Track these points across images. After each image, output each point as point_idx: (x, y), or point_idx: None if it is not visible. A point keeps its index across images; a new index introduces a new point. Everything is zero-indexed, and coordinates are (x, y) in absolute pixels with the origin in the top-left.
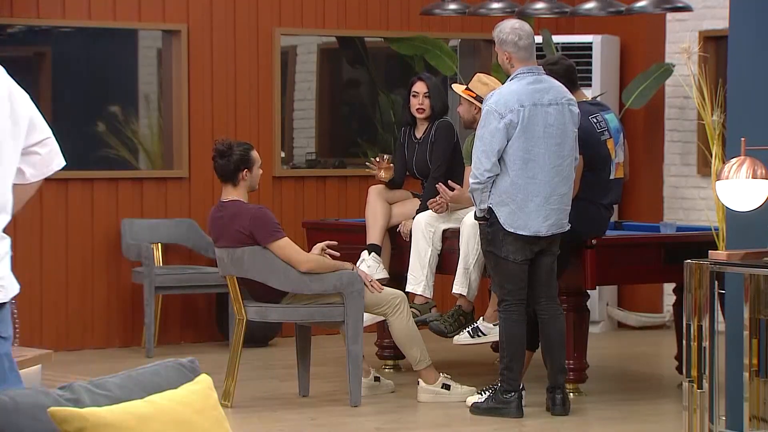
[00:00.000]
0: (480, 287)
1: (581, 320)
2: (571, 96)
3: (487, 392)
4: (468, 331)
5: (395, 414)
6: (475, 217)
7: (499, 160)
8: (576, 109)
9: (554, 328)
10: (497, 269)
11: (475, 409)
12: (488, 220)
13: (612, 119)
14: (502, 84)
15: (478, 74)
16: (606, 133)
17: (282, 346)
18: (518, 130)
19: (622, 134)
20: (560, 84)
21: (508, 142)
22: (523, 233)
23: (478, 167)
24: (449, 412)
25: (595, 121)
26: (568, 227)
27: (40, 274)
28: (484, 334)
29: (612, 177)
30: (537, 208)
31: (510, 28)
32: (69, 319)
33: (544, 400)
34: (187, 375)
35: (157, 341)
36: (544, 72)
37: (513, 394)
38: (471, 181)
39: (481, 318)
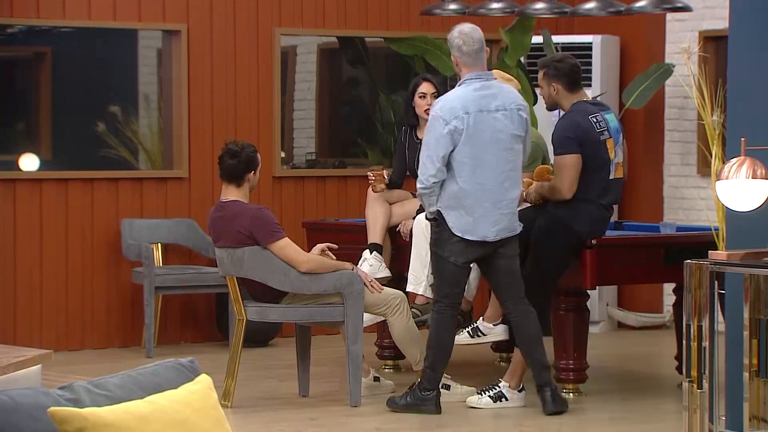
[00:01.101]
0: (479, 287)
1: (581, 320)
2: (521, 102)
3: (486, 392)
4: (468, 331)
5: (395, 414)
6: (426, 218)
7: (447, 165)
8: (525, 115)
9: (528, 327)
10: (438, 270)
11: (393, 404)
12: (437, 221)
13: (612, 119)
14: (513, 78)
15: (497, 71)
16: (606, 132)
17: (282, 346)
18: (464, 136)
19: (621, 134)
20: (510, 89)
21: (455, 148)
22: (471, 238)
23: (424, 172)
24: (449, 412)
25: (594, 120)
26: (519, 230)
27: (40, 274)
28: (484, 334)
29: (611, 177)
30: (486, 213)
31: (458, 32)
32: (69, 319)
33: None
34: (187, 375)
35: (157, 341)
36: (493, 77)
37: (432, 392)
38: (418, 186)
39: (481, 318)
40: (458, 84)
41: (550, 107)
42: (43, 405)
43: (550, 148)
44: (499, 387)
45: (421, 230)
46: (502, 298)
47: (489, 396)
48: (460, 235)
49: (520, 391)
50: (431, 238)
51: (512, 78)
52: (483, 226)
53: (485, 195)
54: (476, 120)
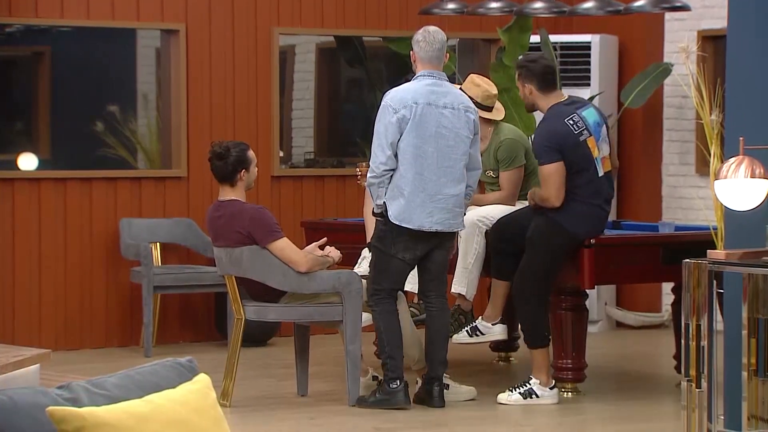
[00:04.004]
0: (479, 286)
1: (580, 320)
2: (470, 104)
3: (516, 389)
4: (466, 330)
5: (393, 413)
6: (373, 213)
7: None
8: (473, 116)
9: (441, 322)
10: (380, 264)
11: (362, 402)
12: (384, 218)
13: (591, 114)
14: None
15: (471, 75)
16: (585, 132)
17: (280, 345)
18: (410, 125)
19: (604, 127)
20: (460, 92)
21: (401, 136)
22: (409, 227)
23: (374, 161)
24: (448, 411)
25: (571, 122)
26: (459, 228)
27: (38, 274)
28: (483, 334)
29: (600, 174)
30: (422, 203)
31: (423, 30)
32: (67, 319)
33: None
34: (186, 374)
35: (156, 341)
36: (446, 78)
37: (399, 382)
38: (368, 175)
39: (480, 317)
40: (413, 79)
41: (528, 108)
42: (41, 404)
43: None
44: (530, 384)
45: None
46: (428, 289)
47: (519, 393)
48: (397, 223)
49: (551, 389)
50: (375, 234)
51: (480, 84)
52: (419, 215)
53: (422, 185)
54: (423, 112)
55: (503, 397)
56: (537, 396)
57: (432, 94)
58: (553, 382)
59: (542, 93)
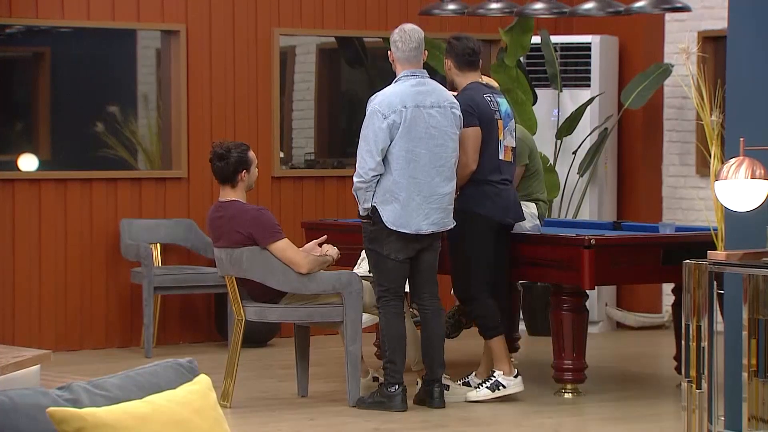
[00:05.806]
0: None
1: (580, 320)
2: (453, 100)
3: (482, 385)
4: (459, 384)
5: (394, 414)
6: (358, 216)
7: (383, 159)
8: (458, 112)
9: (437, 323)
10: (378, 267)
11: (361, 403)
12: (371, 219)
13: (503, 104)
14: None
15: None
16: (497, 113)
17: (281, 346)
18: (401, 130)
19: (513, 121)
20: (443, 88)
21: (391, 141)
22: (405, 231)
23: (363, 166)
24: (448, 412)
25: (489, 99)
26: (451, 226)
27: (38, 275)
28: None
29: (501, 158)
30: (418, 206)
31: (399, 29)
32: (68, 320)
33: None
34: (186, 375)
35: (156, 341)
36: (428, 76)
37: (397, 387)
38: (355, 180)
39: (473, 373)
40: (395, 80)
41: (449, 86)
42: (41, 405)
43: (537, 143)
44: (495, 377)
45: None
46: (420, 291)
47: (486, 387)
48: (395, 228)
49: (515, 377)
50: (366, 236)
51: (487, 84)
52: (416, 219)
53: (417, 188)
54: (413, 115)
55: (472, 395)
56: (504, 387)
57: (419, 95)
58: (516, 371)
59: (459, 71)
